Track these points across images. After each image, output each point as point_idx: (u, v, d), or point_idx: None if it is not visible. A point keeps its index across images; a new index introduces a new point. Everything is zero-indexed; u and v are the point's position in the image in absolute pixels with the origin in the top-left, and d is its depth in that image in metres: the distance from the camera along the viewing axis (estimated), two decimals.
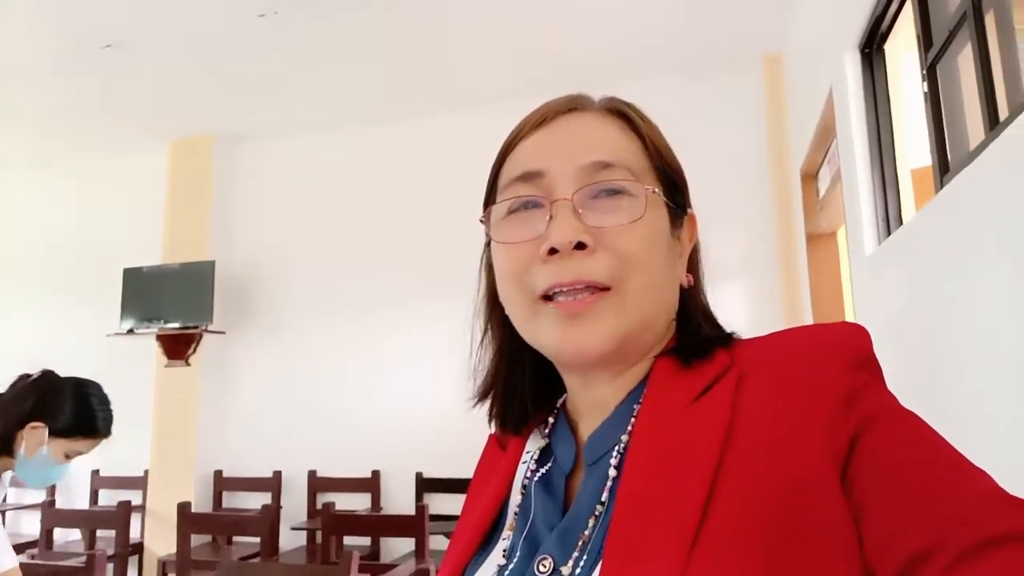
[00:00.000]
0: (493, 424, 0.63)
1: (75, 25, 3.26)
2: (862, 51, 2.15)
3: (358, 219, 4.36)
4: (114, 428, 1.99)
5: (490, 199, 0.58)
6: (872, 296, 2.11)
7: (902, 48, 2.00)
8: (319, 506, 3.74)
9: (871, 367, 0.49)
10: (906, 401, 0.48)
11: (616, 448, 0.51)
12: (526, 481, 0.57)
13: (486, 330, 0.63)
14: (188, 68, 3.72)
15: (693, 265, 0.61)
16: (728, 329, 0.58)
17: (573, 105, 0.58)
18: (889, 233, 2.02)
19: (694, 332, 0.56)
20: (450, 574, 0.55)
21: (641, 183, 0.54)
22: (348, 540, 3.32)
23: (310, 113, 4.31)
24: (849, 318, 2.65)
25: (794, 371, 0.48)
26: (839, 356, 0.48)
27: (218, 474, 4.27)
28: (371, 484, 3.99)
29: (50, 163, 5.02)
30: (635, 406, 0.53)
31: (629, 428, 0.52)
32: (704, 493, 0.43)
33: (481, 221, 0.58)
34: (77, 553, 3.06)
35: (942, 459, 0.43)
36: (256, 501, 3.93)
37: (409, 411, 4.00)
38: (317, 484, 4.08)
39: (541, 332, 0.53)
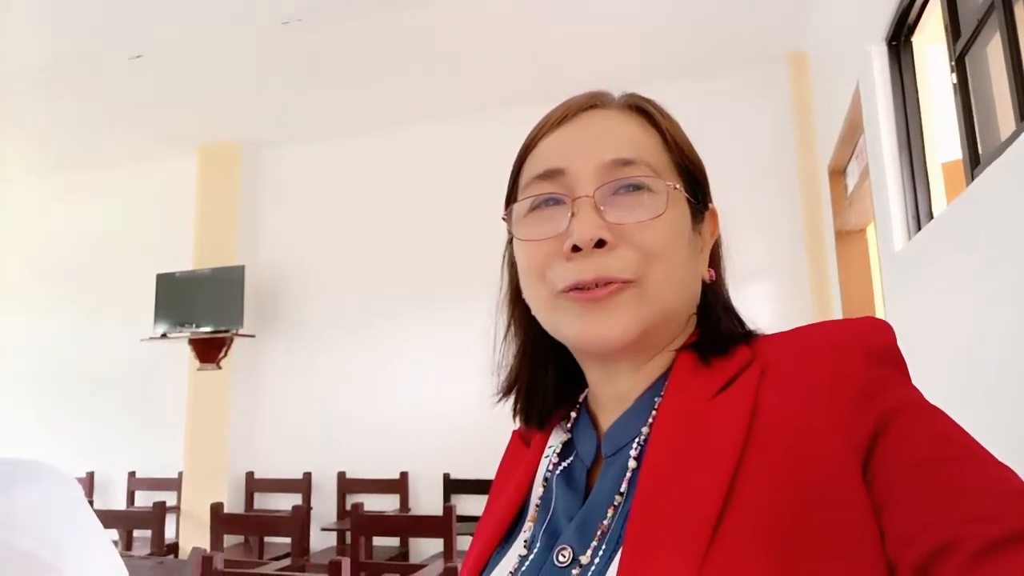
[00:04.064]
0: (517, 419, 0.64)
1: (104, 36, 3.35)
2: (889, 44, 2.11)
3: (383, 223, 4.40)
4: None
5: (512, 197, 0.59)
6: (902, 293, 2.08)
7: (930, 40, 1.97)
8: (349, 507, 3.78)
9: (895, 361, 0.49)
10: (938, 402, 0.47)
11: (636, 440, 0.52)
12: (548, 474, 0.58)
13: (509, 326, 0.63)
14: (214, 76, 3.79)
15: (715, 260, 0.61)
16: (751, 324, 0.58)
17: (594, 102, 0.58)
18: (919, 228, 1.98)
19: (715, 326, 0.56)
20: (474, 565, 0.56)
21: (662, 179, 0.54)
22: (377, 541, 3.35)
23: (334, 119, 4.37)
24: (879, 316, 2.60)
25: (816, 365, 0.48)
26: (861, 350, 0.48)
27: (250, 475, 4.34)
28: (399, 485, 4.02)
29: (85, 171, 5.15)
30: (656, 399, 0.53)
31: (650, 420, 0.52)
32: (725, 484, 0.44)
33: (503, 219, 0.59)
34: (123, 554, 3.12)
35: (966, 454, 0.43)
36: (287, 502, 3.98)
37: (436, 413, 4.02)
38: (347, 485, 4.12)
39: (562, 323, 0.54)
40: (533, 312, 0.57)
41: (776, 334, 0.54)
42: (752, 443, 0.45)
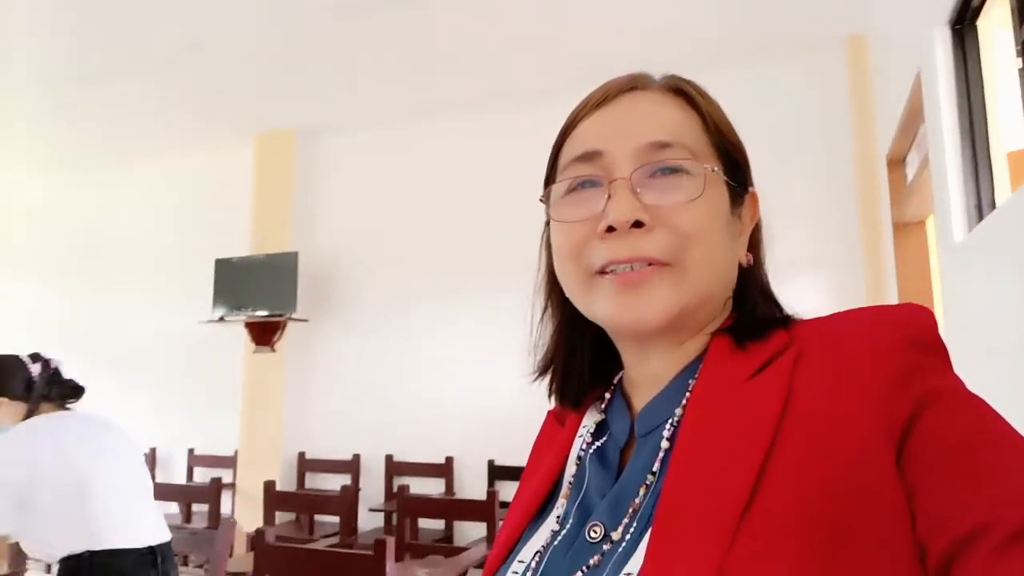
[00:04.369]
0: (552, 399, 0.65)
1: (163, 26, 3.47)
2: (952, 27, 2.03)
3: (432, 209, 4.46)
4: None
5: (550, 178, 0.60)
6: (962, 286, 2.01)
7: (996, 24, 1.89)
8: (396, 489, 3.87)
9: (933, 348, 0.49)
10: (998, 399, 0.47)
11: (670, 421, 0.52)
12: (581, 453, 0.59)
13: (546, 307, 0.64)
14: (268, 66, 3.90)
15: (755, 244, 0.61)
16: (789, 309, 0.58)
17: (633, 84, 0.58)
18: (980, 219, 1.91)
19: (751, 310, 0.56)
20: (507, 539, 0.58)
21: (700, 162, 0.54)
22: (423, 523, 3.42)
23: (385, 106, 4.44)
24: (938, 311, 2.52)
25: (852, 350, 0.48)
26: (900, 336, 0.48)
27: (301, 455, 4.48)
28: (445, 470, 4.09)
29: (147, 160, 5.37)
30: (690, 381, 0.54)
31: (683, 402, 0.53)
32: (756, 467, 0.44)
33: (541, 200, 0.59)
34: (175, 525, 3.27)
35: (1003, 440, 0.42)
36: (337, 483, 4.10)
37: (481, 401, 4.07)
38: (394, 468, 4.21)
39: (597, 303, 0.54)
40: (567, 293, 0.58)
41: (814, 319, 0.54)
42: (785, 427, 0.45)
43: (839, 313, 0.53)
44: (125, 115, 4.58)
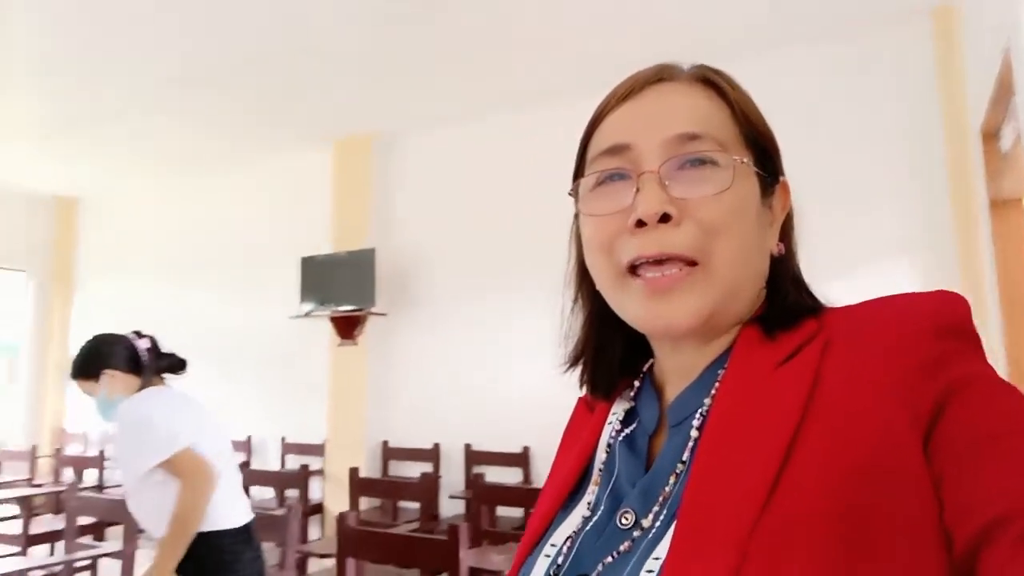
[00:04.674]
0: (583, 388, 0.66)
1: (249, 37, 3.66)
2: None
3: (504, 203, 4.50)
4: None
5: (579, 171, 0.60)
6: None
7: None
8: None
9: (965, 336, 0.48)
10: None
11: (699, 411, 0.53)
12: (611, 441, 0.60)
13: (576, 299, 0.65)
14: (342, 72, 4.02)
15: (786, 233, 0.60)
16: (820, 298, 0.57)
17: (661, 75, 0.58)
18: None
19: (783, 300, 0.56)
20: (539, 523, 0.59)
21: (729, 153, 0.54)
22: (502, 511, 3.49)
23: (455, 106, 4.51)
24: None
25: (879, 339, 0.48)
26: (929, 323, 0.47)
27: (384, 444, 4.65)
28: (521, 459, 4.15)
29: (238, 166, 5.67)
30: (720, 371, 0.54)
31: (713, 392, 0.53)
32: (781, 454, 0.44)
33: (569, 194, 0.60)
34: (268, 508, 3.48)
35: None
36: (419, 470, 4.23)
37: (557, 391, 4.05)
38: (472, 457, 4.31)
39: (628, 306, 0.55)
40: (598, 287, 0.58)
41: (844, 307, 0.54)
42: (811, 413, 0.46)
43: (870, 300, 0.52)
44: (219, 124, 4.86)
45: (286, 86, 4.17)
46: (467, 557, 1.91)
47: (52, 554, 3.56)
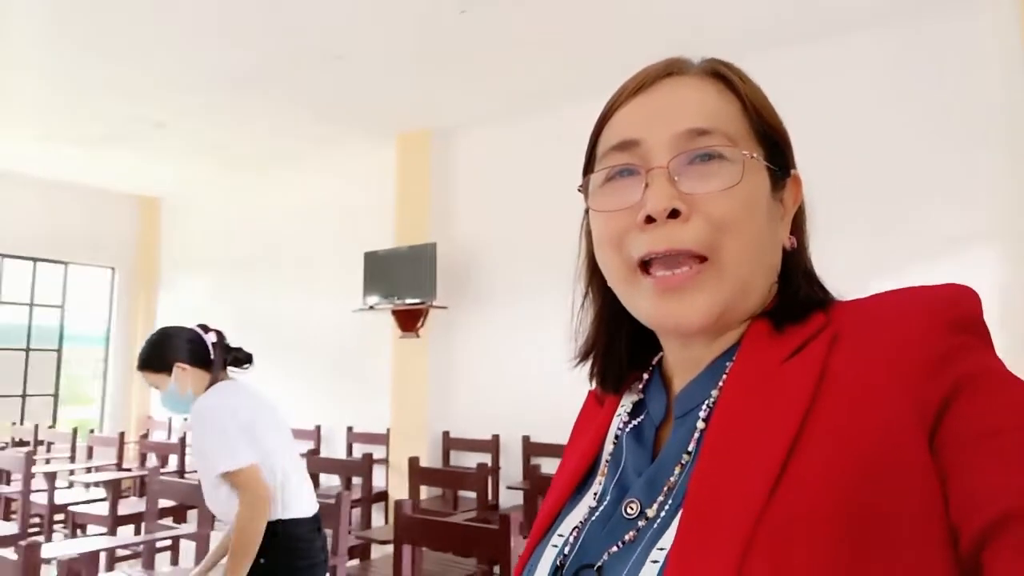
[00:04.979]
0: (593, 382, 0.66)
1: (310, 39, 3.77)
2: None
3: (560, 197, 4.46)
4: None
5: (588, 167, 0.60)
6: None
7: None
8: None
9: (974, 330, 0.47)
10: None
11: (706, 402, 0.53)
12: (619, 432, 0.60)
13: (586, 294, 0.66)
14: (404, 68, 4.10)
15: (798, 226, 0.60)
16: (833, 291, 0.57)
17: (671, 70, 0.57)
18: None
19: (793, 294, 0.55)
20: (547, 514, 0.60)
21: (738, 148, 0.53)
22: None
23: (513, 100, 4.53)
24: None
25: (887, 333, 0.47)
26: (936, 317, 0.47)
27: (446, 434, 4.73)
28: None
29: (306, 162, 5.86)
30: (727, 364, 0.54)
31: (720, 384, 0.53)
32: (786, 446, 0.44)
33: (579, 190, 0.60)
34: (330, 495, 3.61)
35: None
36: (480, 461, 4.30)
37: None
38: (530, 449, 4.34)
39: (639, 304, 0.55)
40: (609, 282, 0.59)
41: (854, 300, 0.53)
42: (817, 406, 0.46)
43: (880, 294, 0.52)
44: (288, 123, 5.04)
45: (351, 83, 4.29)
46: (519, 546, 1.93)
47: (137, 534, 3.80)
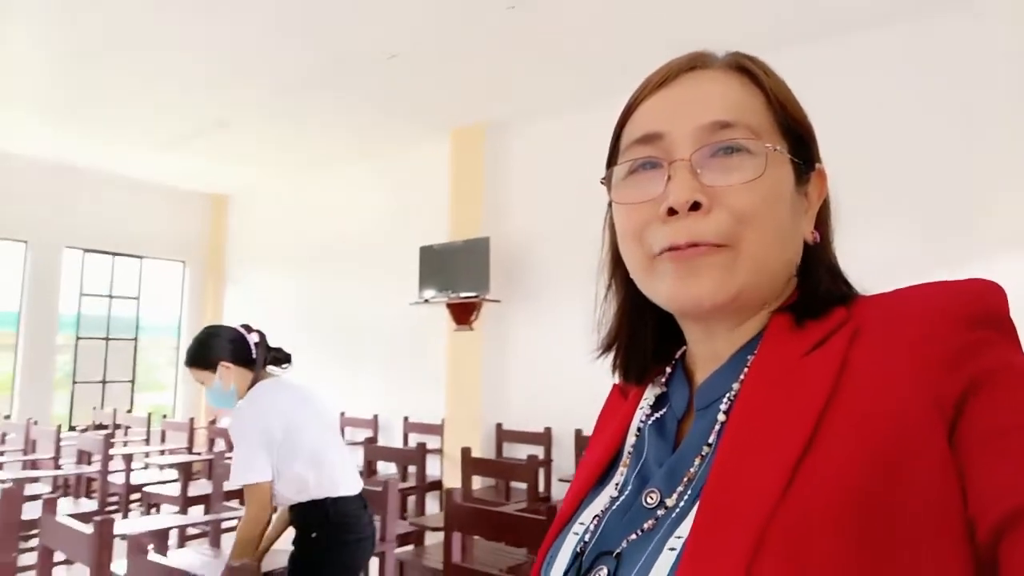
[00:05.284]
0: (616, 375, 0.67)
1: (366, 38, 3.86)
2: None
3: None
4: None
5: (612, 160, 0.61)
6: None
7: None
8: None
9: (997, 325, 0.47)
10: None
11: (727, 395, 0.53)
12: (641, 424, 0.61)
13: (609, 286, 0.67)
14: (456, 64, 4.16)
15: (823, 221, 0.60)
16: (857, 287, 0.57)
17: (694, 63, 0.58)
18: None
19: (815, 288, 0.55)
20: (569, 504, 0.62)
21: (761, 141, 0.53)
22: None
23: (563, 94, 4.53)
24: None
25: (907, 328, 0.47)
26: (957, 312, 0.47)
27: (499, 426, 4.78)
28: None
29: (364, 159, 6.00)
30: (749, 357, 0.54)
31: (741, 377, 0.54)
32: (803, 442, 0.45)
33: (601, 182, 0.61)
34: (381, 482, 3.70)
35: None
36: (533, 452, 4.33)
37: None
38: (582, 442, 4.34)
39: (659, 287, 0.55)
40: (632, 275, 0.59)
41: (876, 295, 0.53)
42: (835, 402, 0.46)
43: (902, 289, 0.51)
44: (347, 121, 5.18)
45: (406, 80, 4.37)
46: None
47: (206, 514, 3.98)
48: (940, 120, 3.30)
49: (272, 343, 2.36)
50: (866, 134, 3.41)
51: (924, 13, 3.35)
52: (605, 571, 0.52)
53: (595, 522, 0.57)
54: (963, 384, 0.44)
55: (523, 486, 4.00)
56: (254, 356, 2.25)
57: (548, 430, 4.51)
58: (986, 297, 0.48)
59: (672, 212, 0.53)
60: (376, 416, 5.55)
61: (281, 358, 2.36)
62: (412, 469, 4.28)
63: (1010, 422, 0.42)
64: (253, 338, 2.27)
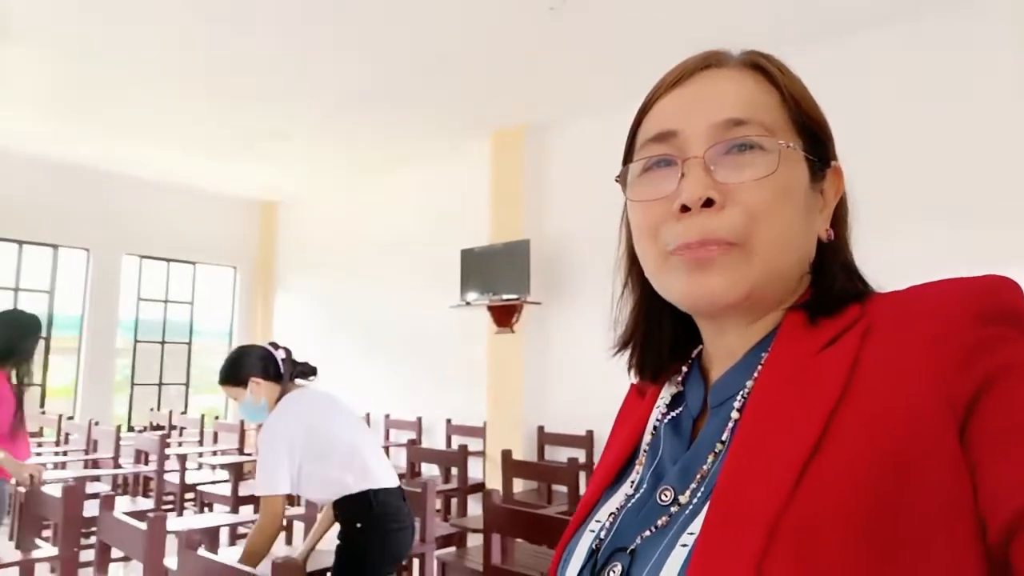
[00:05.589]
0: (631, 373, 0.67)
1: (415, 48, 3.92)
2: None
3: None
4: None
5: (627, 158, 0.61)
6: None
7: None
8: None
9: (1012, 321, 0.46)
10: None
11: (741, 393, 0.54)
12: (657, 423, 0.62)
13: (625, 284, 0.67)
14: (498, 66, 4.19)
15: (839, 218, 0.59)
16: (873, 284, 0.56)
17: (709, 62, 0.58)
18: None
19: (829, 285, 0.55)
20: (587, 502, 0.63)
21: (775, 138, 0.53)
22: None
23: (604, 95, 4.51)
24: None
25: (920, 325, 0.47)
26: (972, 310, 0.46)
27: (540, 429, 4.78)
28: None
29: (407, 165, 6.09)
30: (762, 355, 0.54)
31: (755, 375, 0.54)
32: (812, 441, 0.45)
33: (616, 180, 0.61)
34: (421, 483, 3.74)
35: None
36: (575, 455, 4.32)
37: None
38: None
39: (671, 284, 0.56)
40: (646, 272, 0.59)
41: (889, 292, 0.53)
42: (847, 400, 0.46)
43: (916, 286, 0.51)
44: (393, 128, 5.27)
45: (450, 84, 4.43)
46: None
47: (256, 513, 4.09)
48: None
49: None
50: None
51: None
52: (619, 567, 0.53)
53: (611, 519, 0.58)
54: (976, 382, 0.43)
55: (564, 489, 4.00)
56: (282, 371, 2.37)
57: (590, 433, 4.49)
58: (1000, 293, 0.47)
59: (685, 209, 0.53)
60: (420, 418, 5.61)
61: (307, 371, 2.49)
62: (455, 471, 4.32)
63: (1020, 420, 0.41)
64: (280, 354, 2.40)
